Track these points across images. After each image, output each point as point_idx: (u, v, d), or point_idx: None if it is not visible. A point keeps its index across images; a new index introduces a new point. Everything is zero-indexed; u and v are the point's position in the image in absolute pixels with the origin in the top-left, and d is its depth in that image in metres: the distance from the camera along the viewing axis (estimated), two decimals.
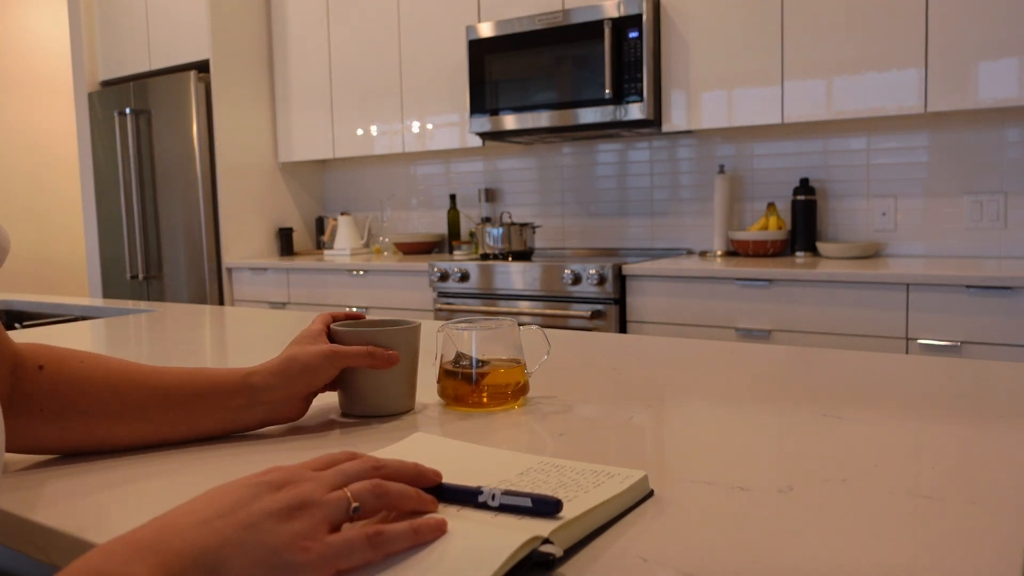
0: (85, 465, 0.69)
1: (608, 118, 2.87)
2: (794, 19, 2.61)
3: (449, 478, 0.55)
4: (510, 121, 3.09)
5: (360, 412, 0.82)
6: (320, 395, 0.81)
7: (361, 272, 3.37)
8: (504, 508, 0.51)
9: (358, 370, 0.80)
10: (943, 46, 2.38)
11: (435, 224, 3.89)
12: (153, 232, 3.98)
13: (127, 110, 3.96)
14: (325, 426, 0.79)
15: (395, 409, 0.82)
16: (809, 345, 2.36)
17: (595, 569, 0.47)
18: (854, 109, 2.53)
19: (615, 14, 2.82)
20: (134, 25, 4.07)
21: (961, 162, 2.66)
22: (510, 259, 3.07)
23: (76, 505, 0.60)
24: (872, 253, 2.76)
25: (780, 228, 2.89)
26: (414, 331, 0.82)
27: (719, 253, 3.00)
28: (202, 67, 3.81)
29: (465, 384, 0.83)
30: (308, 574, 0.43)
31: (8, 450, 0.69)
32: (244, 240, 3.89)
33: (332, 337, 0.80)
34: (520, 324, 0.88)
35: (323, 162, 4.26)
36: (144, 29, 4.02)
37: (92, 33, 4.23)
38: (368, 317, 0.86)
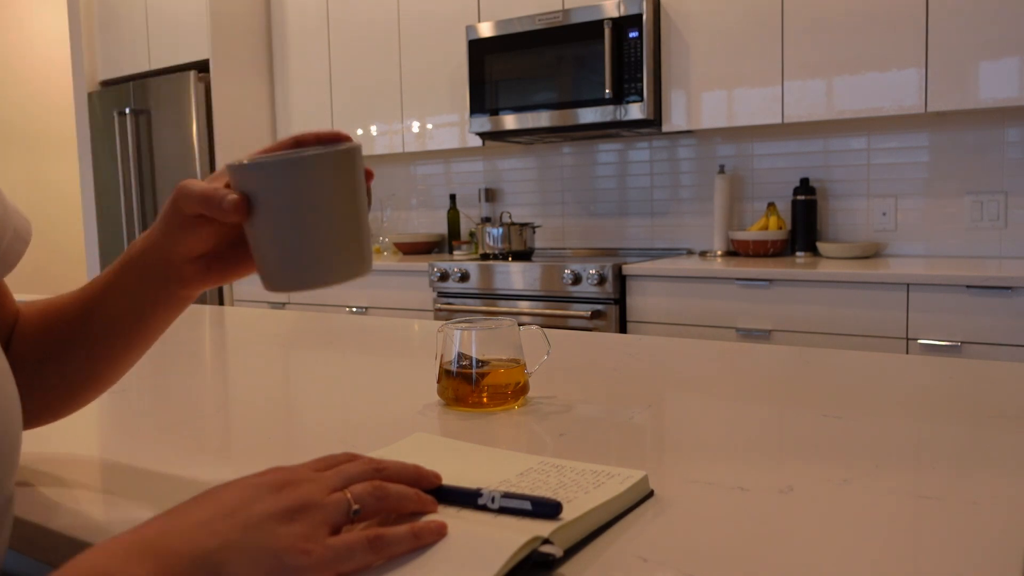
0: (82, 463, 0.69)
1: (608, 118, 2.87)
2: (794, 19, 2.60)
3: (449, 478, 0.54)
4: (510, 121, 3.09)
5: (266, 281, 0.57)
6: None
7: None
8: (504, 511, 0.51)
9: (248, 224, 0.55)
10: (943, 46, 2.38)
11: (435, 224, 3.89)
12: None
13: (127, 110, 3.96)
14: (324, 426, 0.79)
15: (291, 280, 0.56)
16: (809, 345, 2.36)
17: (595, 569, 0.47)
18: (854, 109, 2.53)
19: (615, 14, 2.82)
20: (134, 25, 4.07)
21: (961, 162, 2.66)
22: (510, 259, 3.07)
23: (73, 503, 0.60)
24: (872, 253, 2.76)
25: (780, 228, 2.89)
26: (292, 167, 0.53)
27: (719, 253, 3.00)
28: (202, 67, 3.80)
29: (465, 384, 0.83)
30: None
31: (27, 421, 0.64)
32: None
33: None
34: (520, 324, 0.88)
35: None
36: (144, 29, 4.02)
37: (92, 33, 4.23)
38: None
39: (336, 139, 0.58)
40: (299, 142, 0.59)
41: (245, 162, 0.54)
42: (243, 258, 0.60)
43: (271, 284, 0.56)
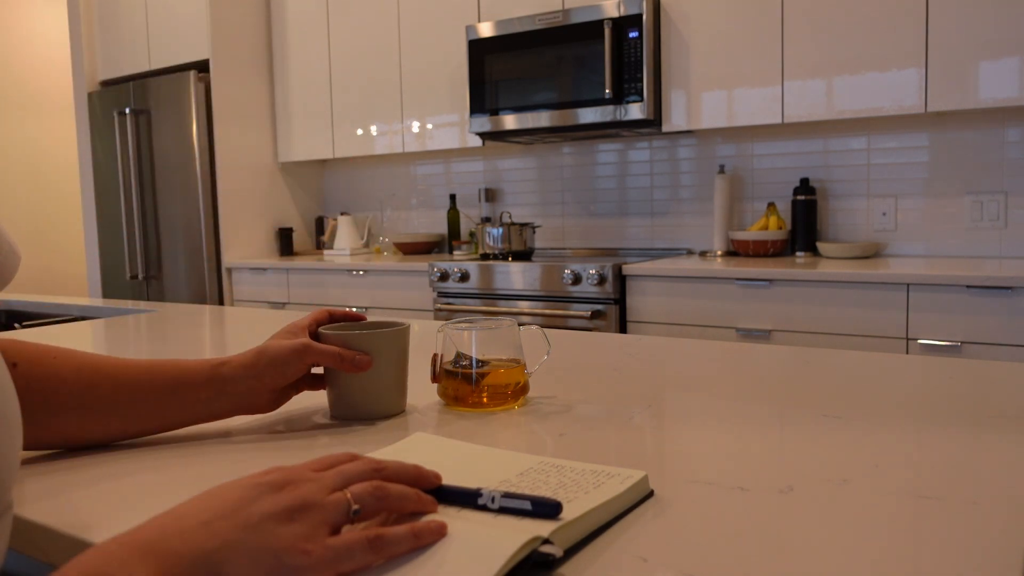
0: (83, 463, 0.69)
1: (608, 118, 2.87)
2: (794, 19, 2.60)
3: (449, 478, 0.54)
4: (510, 121, 3.09)
5: (339, 414, 0.81)
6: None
7: (361, 272, 3.36)
8: (504, 511, 0.51)
9: (336, 371, 0.79)
10: (943, 46, 2.38)
11: (435, 224, 3.89)
12: (153, 232, 3.98)
13: (127, 110, 3.96)
14: (324, 426, 0.79)
15: (373, 413, 0.81)
16: (809, 345, 2.36)
17: (595, 569, 0.47)
18: (854, 109, 2.53)
19: (615, 14, 2.82)
20: (134, 25, 4.07)
21: (961, 162, 2.66)
22: (510, 259, 3.07)
23: (74, 503, 0.60)
24: (872, 253, 2.76)
25: (780, 228, 2.88)
26: (394, 335, 0.80)
27: (719, 253, 3.00)
28: (202, 67, 3.80)
29: (465, 384, 0.83)
30: None
31: None
32: (244, 240, 3.89)
33: (316, 337, 0.80)
34: (520, 324, 0.88)
35: (323, 162, 4.26)
36: (144, 29, 4.02)
37: (92, 33, 4.23)
38: (369, 319, 0.85)
39: (357, 317, 0.84)
40: (333, 316, 0.83)
41: (363, 332, 0.79)
42: (290, 395, 0.79)
43: (353, 414, 0.80)
